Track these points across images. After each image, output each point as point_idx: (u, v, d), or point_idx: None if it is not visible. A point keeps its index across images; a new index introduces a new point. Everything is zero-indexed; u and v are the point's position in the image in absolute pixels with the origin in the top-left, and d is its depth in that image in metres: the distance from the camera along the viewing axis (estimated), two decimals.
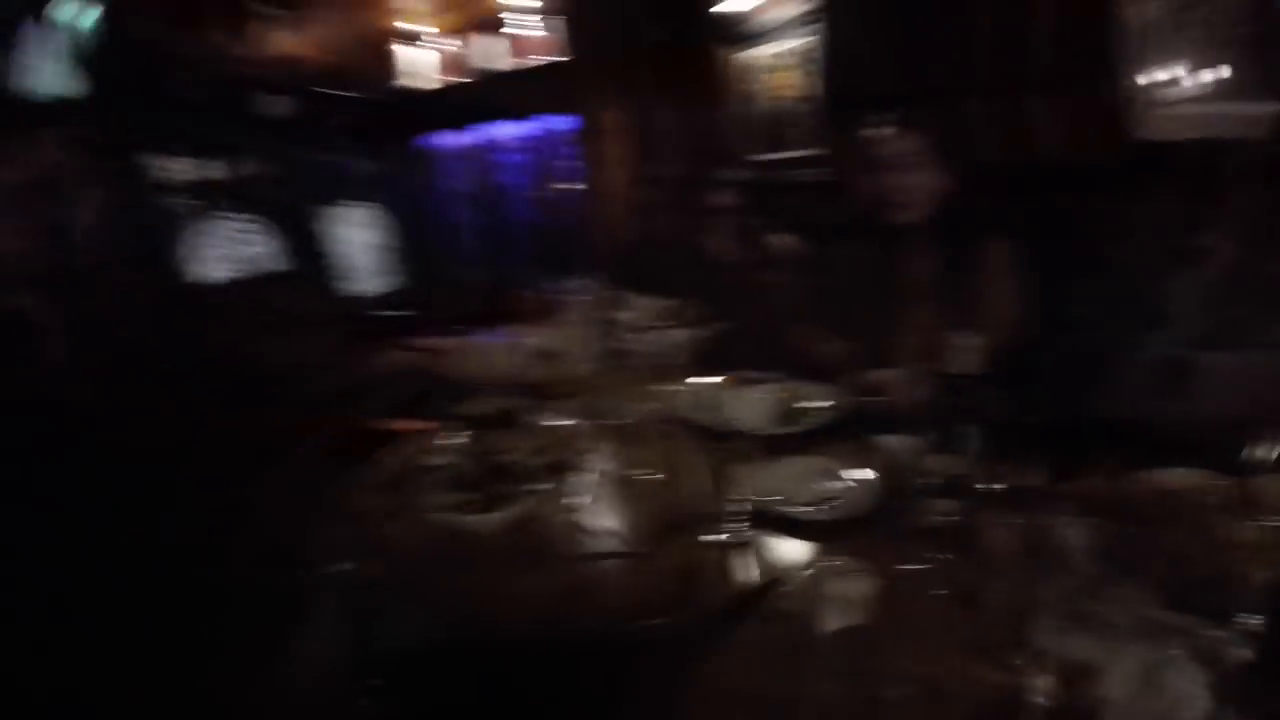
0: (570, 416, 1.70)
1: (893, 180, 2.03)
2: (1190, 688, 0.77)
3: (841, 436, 1.54)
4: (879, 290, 2.14)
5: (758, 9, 3.70)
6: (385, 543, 1.28)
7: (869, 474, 1.31)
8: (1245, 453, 1.06)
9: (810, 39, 3.47)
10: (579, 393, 1.86)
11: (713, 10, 3.90)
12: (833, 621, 0.95)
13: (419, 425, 1.88)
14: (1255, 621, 0.84)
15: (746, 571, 1.10)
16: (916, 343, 1.94)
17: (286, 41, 5.10)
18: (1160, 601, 0.89)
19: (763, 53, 3.80)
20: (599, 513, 1.32)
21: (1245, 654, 0.80)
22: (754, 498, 1.27)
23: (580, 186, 4.93)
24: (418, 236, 5.82)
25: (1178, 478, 1.16)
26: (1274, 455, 1.05)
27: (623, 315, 2.48)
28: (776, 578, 1.07)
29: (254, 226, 4.95)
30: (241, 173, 5.01)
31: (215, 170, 4.77)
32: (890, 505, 1.22)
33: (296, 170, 5.39)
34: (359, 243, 5.43)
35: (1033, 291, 1.97)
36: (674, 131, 4.41)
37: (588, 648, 1.06)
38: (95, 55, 3.49)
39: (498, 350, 2.45)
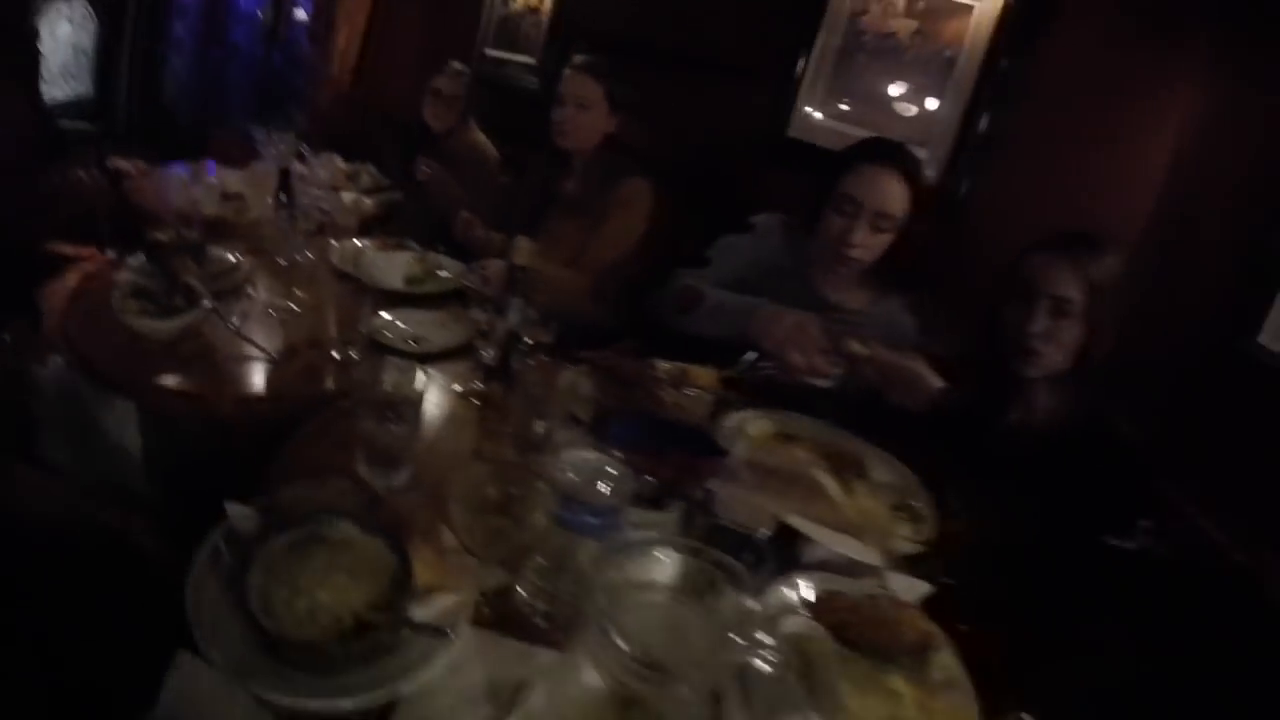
0: (242, 252, 2.02)
1: (568, 114, 2.41)
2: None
3: (457, 302, 2.04)
4: (540, 198, 2.58)
5: None
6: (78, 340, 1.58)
7: (457, 327, 1.85)
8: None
9: None
10: (252, 233, 2.17)
11: None
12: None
13: (89, 251, 2.00)
14: None
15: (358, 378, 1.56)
16: (552, 247, 2.39)
17: None
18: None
19: None
20: (252, 328, 1.71)
21: None
22: (374, 333, 1.75)
23: (307, 35, 4.86)
24: (130, 45, 5.24)
25: (661, 365, 1.73)
26: (750, 361, 1.70)
27: (309, 168, 2.72)
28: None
29: None
30: None
31: None
32: (465, 349, 1.74)
33: None
34: (63, 39, 4.76)
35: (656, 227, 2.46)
36: (414, 6, 4.51)
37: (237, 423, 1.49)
38: None
39: (184, 183, 2.53)
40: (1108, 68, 2.28)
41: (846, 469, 1.46)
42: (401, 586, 0.83)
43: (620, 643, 0.65)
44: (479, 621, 0.92)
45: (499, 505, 0.84)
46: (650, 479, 1.02)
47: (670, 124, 2.95)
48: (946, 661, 1.07)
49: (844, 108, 2.72)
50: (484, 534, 0.85)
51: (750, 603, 0.88)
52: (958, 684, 1.05)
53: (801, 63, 2.75)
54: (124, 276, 1.69)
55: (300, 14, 5.22)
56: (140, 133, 4.79)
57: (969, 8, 2.46)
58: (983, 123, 2.45)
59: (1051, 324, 1.53)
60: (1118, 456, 1.53)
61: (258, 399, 1.52)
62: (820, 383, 1.65)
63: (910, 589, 1.18)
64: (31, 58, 4.16)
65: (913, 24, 2.55)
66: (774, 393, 1.62)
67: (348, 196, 2.64)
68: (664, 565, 0.94)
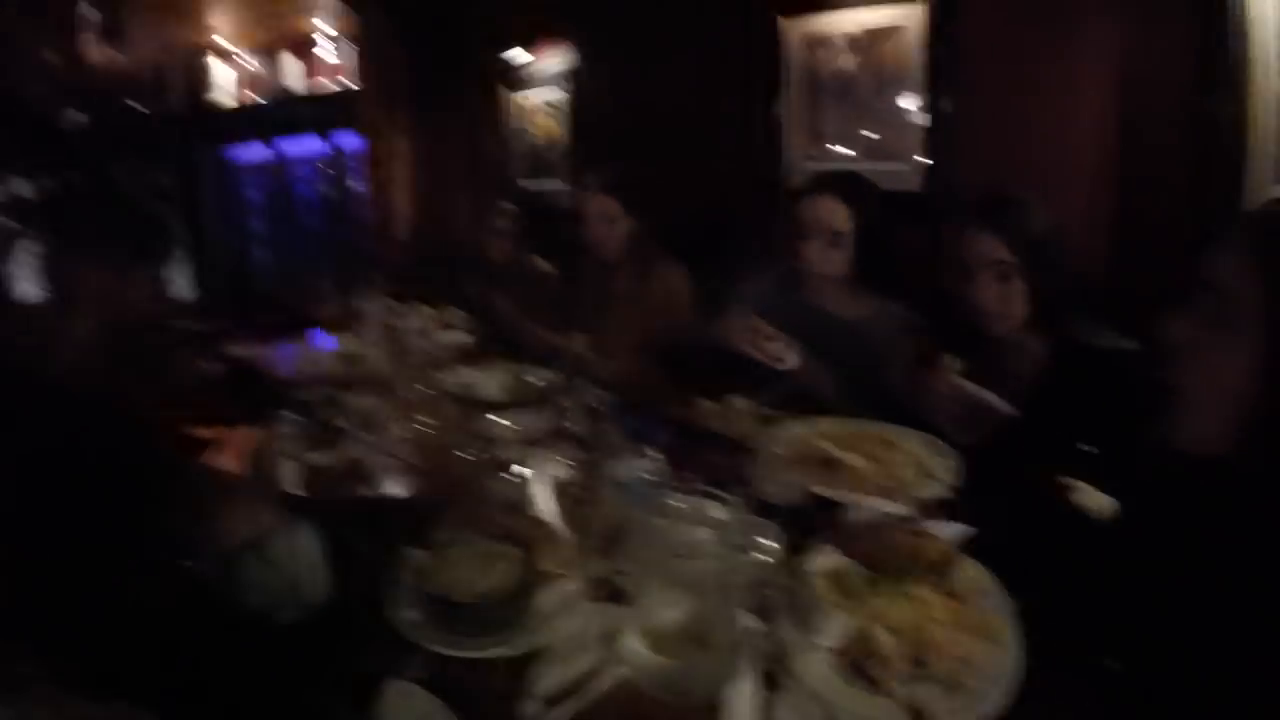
0: (371, 397, 2.52)
1: (597, 230, 2.88)
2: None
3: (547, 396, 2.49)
4: (597, 300, 3.03)
5: (528, 59, 4.47)
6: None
7: (549, 414, 2.28)
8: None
9: (565, 94, 4.28)
10: (374, 381, 2.68)
11: (490, 55, 4.62)
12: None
13: (226, 434, 2.41)
14: None
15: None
16: (614, 339, 2.83)
17: (97, 50, 5.04)
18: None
19: (531, 97, 4.56)
20: (394, 449, 2.19)
21: None
22: (489, 435, 2.19)
23: (367, 204, 5.41)
24: (217, 247, 6.07)
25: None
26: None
27: (405, 321, 3.25)
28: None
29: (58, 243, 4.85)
30: (45, 188, 4.85)
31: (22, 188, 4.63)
32: (564, 428, 2.17)
33: (102, 183, 5.23)
34: None
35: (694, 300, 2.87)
36: (453, 158, 5.07)
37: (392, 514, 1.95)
38: None
39: (306, 354, 3.11)
40: (1031, 24, 2.54)
41: (874, 444, 1.66)
42: (532, 569, 1.25)
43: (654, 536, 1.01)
44: (587, 597, 1.32)
45: (580, 498, 1.26)
46: (688, 474, 1.41)
47: (683, 202, 3.36)
48: (972, 572, 1.24)
49: (829, 147, 3.11)
50: (579, 522, 1.27)
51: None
52: (989, 591, 1.20)
53: (777, 120, 3.17)
54: (286, 430, 2.19)
55: (355, 185, 5.83)
56: (244, 319, 5.42)
57: (899, 28, 2.80)
58: (944, 121, 2.73)
59: (997, 287, 1.72)
60: (1114, 368, 1.62)
61: (409, 499, 1.98)
62: (780, 366, 2.04)
63: (946, 530, 1.39)
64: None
65: (855, 57, 2.92)
66: (797, 403, 1.97)
67: (442, 336, 3.14)
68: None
